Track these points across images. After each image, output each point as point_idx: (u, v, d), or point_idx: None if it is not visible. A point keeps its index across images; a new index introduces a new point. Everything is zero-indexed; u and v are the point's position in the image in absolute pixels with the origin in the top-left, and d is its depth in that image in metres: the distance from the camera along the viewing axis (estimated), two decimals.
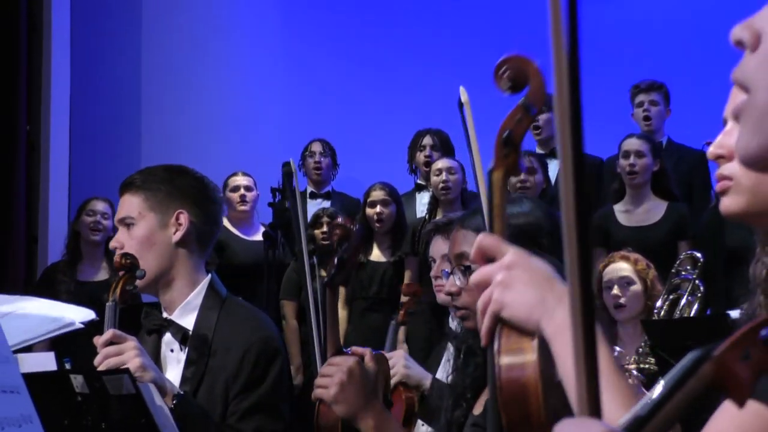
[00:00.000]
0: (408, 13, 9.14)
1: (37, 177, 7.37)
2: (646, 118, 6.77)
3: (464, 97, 2.01)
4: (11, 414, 1.28)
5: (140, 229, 2.84)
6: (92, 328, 2.62)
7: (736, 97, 1.28)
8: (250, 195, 6.93)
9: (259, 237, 6.63)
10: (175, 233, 2.85)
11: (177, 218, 2.86)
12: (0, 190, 7.07)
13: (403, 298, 4.09)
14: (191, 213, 2.87)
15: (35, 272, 7.24)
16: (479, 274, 1.60)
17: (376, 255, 6.53)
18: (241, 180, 6.99)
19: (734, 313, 2.58)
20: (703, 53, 8.45)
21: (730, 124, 1.56)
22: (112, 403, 1.84)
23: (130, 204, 2.87)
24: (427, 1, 9.22)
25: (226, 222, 6.80)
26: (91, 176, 7.70)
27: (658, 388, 0.89)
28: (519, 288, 1.53)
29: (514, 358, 1.59)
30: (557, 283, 1.55)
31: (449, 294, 2.55)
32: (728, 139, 1.48)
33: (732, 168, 1.42)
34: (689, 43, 8.58)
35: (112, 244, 2.89)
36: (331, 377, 2.57)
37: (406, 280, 6.40)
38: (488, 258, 1.62)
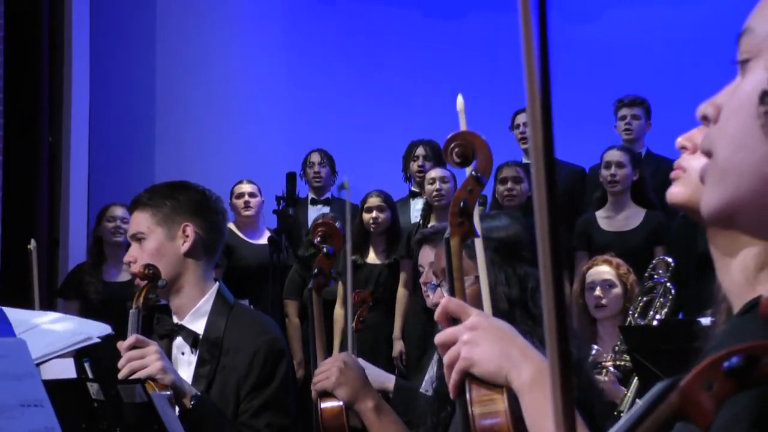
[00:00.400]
0: (403, 33, 9.16)
1: (59, 184, 7.41)
2: (627, 131, 6.81)
3: (460, 104, 2.00)
4: (36, 426, 1.29)
5: (150, 242, 2.87)
6: (115, 333, 2.65)
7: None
8: (253, 201, 6.91)
9: (264, 241, 6.62)
10: (183, 244, 2.87)
11: (183, 231, 2.87)
12: (25, 197, 7.11)
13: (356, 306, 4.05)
14: (196, 225, 2.89)
15: (57, 272, 7.29)
16: (444, 334, 1.63)
17: (372, 257, 6.54)
18: (246, 187, 6.97)
19: (705, 321, 2.60)
20: (682, 71, 8.48)
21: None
22: (125, 409, 1.85)
23: (140, 220, 2.90)
24: (421, 23, 9.25)
25: (233, 227, 6.80)
26: (108, 183, 7.73)
27: (627, 416, 0.90)
28: (485, 346, 1.57)
29: (487, 408, 1.63)
30: (519, 338, 1.59)
31: (435, 306, 2.56)
32: (698, 134, 1.50)
33: (689, 161, 1.44)
34: (670, 61, 8.60)
35: (126, 258, 2.92)
36: (328, 369, 2.62)
37: (401, 282, 6.43)
38: (452, 319, 1.66)
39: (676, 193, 1.36)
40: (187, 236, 2.87)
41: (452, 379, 1.60)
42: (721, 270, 1.25)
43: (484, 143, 1.87)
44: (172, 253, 2.87)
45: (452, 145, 1.86)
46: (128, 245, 6.31)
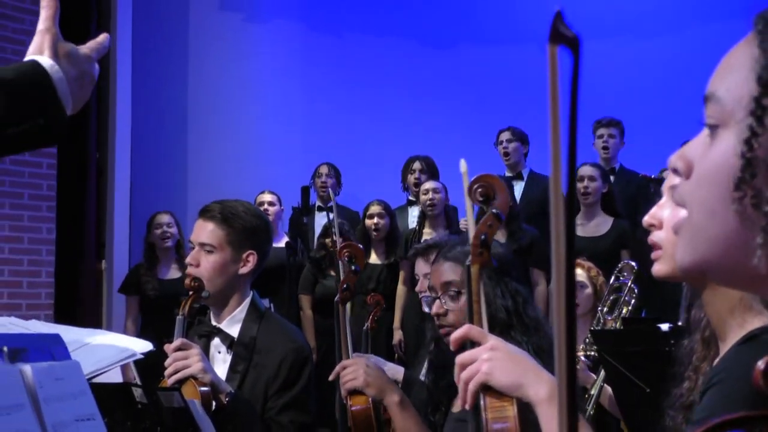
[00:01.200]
0: (402, 61, 9.19)
1: (105, 194, 7.43)
2: (605, 148, 6.81)
3: (463, 167, 2.00)
4: None
5: (216, 257, 2.81)
6: (164, 338, 2.67)
7: (673, 178, 1.30)
8: (272, 209, 6.82)
9: (282, 244, 6.61)
10: (242, 267, 2.83)
11: (247, 257, 2.83)
12: (76, 205, 7.15)
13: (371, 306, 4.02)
14: (257, 253, 2.85)
15: (103, 271, 7.31)
16: (466, 355, 1.67)
17: (373, 258, 6.54)
18: (266, 197, 6.91)
19: (664, 326, 2.61)
20: (651, 97, 8.50)
21: (664, 199, 1.58)
22: (165, 412, 1.85)
23: (212, 233, 2.83)
24: (417, 53, 9.27)
25: None
26: (148, 194, 7.76)
27: None
28: (504, 363, 1.63)
29: (498, 413, 1.66)
30: (531, 360, 1.63)
31: (436, 315, 2.55)
32: (660, 211, 1.50)
33: (660, 236, 1.44)
34: (640, 88, 8.62)
35: (188, 260, 2.86)
36: (355, 370, 2.59)
37: (400, 279, 6.42)
38: (471, 342, 1.71)
39: (660, 269, 1.38)
40: (248, 262, 2.84)
41: (470, 389, 1.65)
42: (711, 312, 1.26)
43: (503, 186, 1.88)
44: (231, 273, 2.83)
45: (476, 186, 1.87)
46: (176, 247, 6.44)
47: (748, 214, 0.81)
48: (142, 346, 1.96)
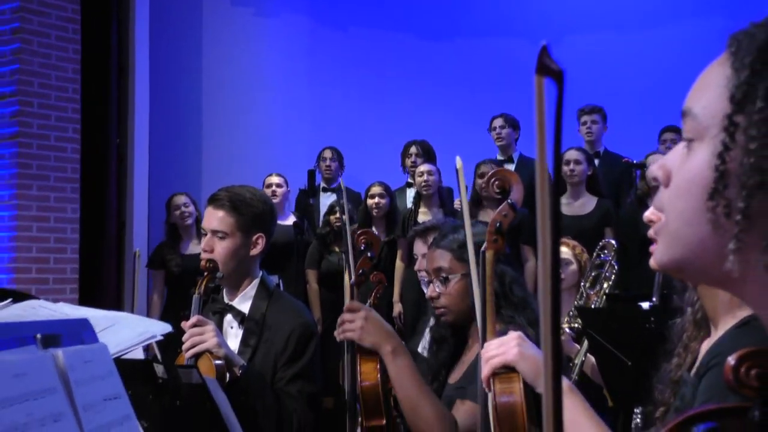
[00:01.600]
0: (401, 53, 9.18)
1: (125, 178, 7.43)
2: (589, 134, 6.81)
3: (458, 164, 2.01)
4: (116, 416, 1.29)
5: (229, 243, 2.81)
6: (182, 316, 2.68)
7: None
8: (279, 191, 6.81)
9: (289, 222, 6.61)
10: (252, 249, 2.83)
11: (256, 240, 2.83)
12: (98, 188, 7.15)
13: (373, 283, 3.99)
14: (266, 235, 2.85)
15: (124, 248, 7.33)
16: (495, 341, 1.79)
17: None
18: (273, 179, 6.88)
19: (645, 305, 2.63)
20: (633, 85, 8.48)
21: None
22: (184, 388, 1.86)
23: (223, 221, 2.82)
24: (415, 45, 9.25)
25: None
26: (165, 177, 7.76)
27: None
28: (529, 354, 1.74)
29: (506, 385, 1.69)
30: None
31: (431, 298, 2.56)
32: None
33: None
34: (621, 76, 8.60)
35: (203, 247, 2.85)
36: (354, 321, 2.51)
37: (399, 256, 6.43)
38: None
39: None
40: (257, 244, 2.84)
41: (496, 362, 1.75)
42: (706, 303, 1.28)
43: (518, 179, 1.89)
44: (243, 256, 2.83)
45: (493, 179, 1.88)
46: (196, 224, 6.45)
47: (720, 222, 0.82)
48: (161, 328, 1.97)
